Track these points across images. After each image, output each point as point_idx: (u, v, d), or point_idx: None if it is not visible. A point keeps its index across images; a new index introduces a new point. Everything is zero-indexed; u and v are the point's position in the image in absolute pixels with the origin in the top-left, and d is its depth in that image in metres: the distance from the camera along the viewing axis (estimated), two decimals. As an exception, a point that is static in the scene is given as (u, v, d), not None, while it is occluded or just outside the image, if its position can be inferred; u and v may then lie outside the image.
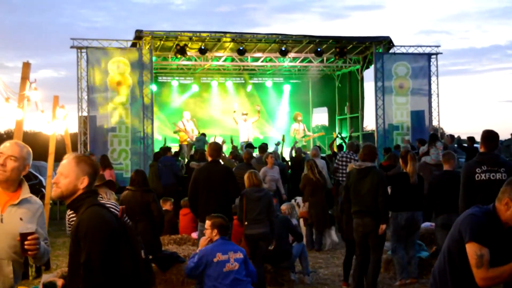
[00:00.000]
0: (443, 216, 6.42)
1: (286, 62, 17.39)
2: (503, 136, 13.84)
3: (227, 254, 4.99)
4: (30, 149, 3.43)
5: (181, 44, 15.03)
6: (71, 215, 4.76)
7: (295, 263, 7.42)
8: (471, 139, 13.91)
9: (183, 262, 7.03)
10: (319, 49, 16.06)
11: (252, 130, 16.64)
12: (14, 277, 3.23)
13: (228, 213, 6.39)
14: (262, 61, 17.55)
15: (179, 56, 15.24)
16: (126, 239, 2.83)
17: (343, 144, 13.01)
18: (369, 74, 17.73)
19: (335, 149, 12.88)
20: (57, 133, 8.57)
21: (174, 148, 15.29)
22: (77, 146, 14.06)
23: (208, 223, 5.18)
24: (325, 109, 20.23)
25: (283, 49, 15.72)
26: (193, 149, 14.53)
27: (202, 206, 6.54)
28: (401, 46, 16.24)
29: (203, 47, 15.23)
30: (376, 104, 15.77)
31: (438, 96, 16.25)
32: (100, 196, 5.23)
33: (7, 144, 3.32)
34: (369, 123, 22.07)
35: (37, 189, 14.68)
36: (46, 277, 6.67)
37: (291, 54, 16.67)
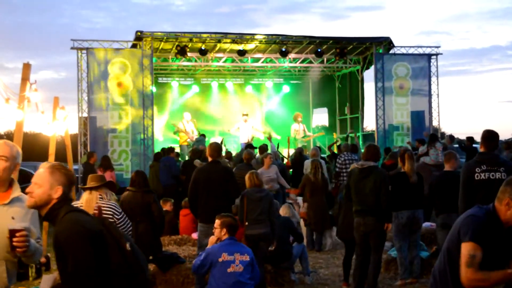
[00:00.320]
0: (443, 216, 6.43)
1: (286, 63, 17.40)
2: (503, 136, 13.86)
3: (233, 255, 4.96)
4: (19, 149, 3.41)
5: (181, 45, 15.04)
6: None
7: (295, 264, 7.42)
8: (470, 139, 13.92)
9: (183, 262, 7.04)
10: (319, 50, 16.07)
11: (252, 131, 16.64)
12: (8, 277, 3.22)
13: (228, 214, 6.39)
14: (262, 62, 17.56)
15: (179, 57, 15.26)
16: (109, 235, 2.80)
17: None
18: (369, 75, 17.76)
19: (335, 150, 12.90)
20: (58, 134, 8.57)
21: (175, 148, 15.28)
22: (77, 147, 14.07)
23: (217, 222, 5.16)
24: (325, 109, 20.24)
25: (283, 50, 15.72)
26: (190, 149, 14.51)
27: (202, 206, 6.54)
28: (401, 46, 16.27)
29: (203, 48, 15.24)
30: (376, 105, 15.78)
31: (438, 97, 16.27)
32: (100, 196, 5.24)
33: None
34: (369, 123, 22.14)
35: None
36: (46, 278, 6.69)
37: (291, 55, 16.68)
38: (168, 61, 16.51)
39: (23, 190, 3.21)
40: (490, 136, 5.15)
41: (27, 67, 5.79)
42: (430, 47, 16.43)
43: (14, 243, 2.95)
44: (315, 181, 9.23)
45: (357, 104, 17.89)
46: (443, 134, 14.13)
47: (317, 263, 8.35)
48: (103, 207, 5.14)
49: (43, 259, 7.60)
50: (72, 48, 14.11)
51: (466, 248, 2.91)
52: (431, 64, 16.21)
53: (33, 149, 22.27)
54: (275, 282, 6.95)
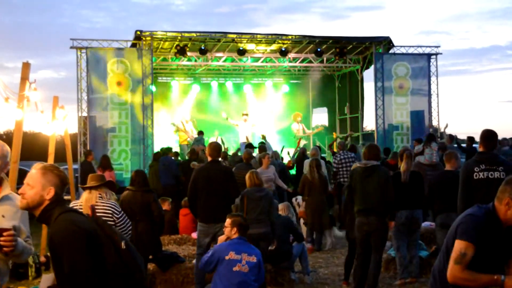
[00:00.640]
0: (442, 215, 6.43)
1: (286, 63, 17.40)
2: (503, 136, 13.84)
3: (240, 254, 4.92)
4: (8, 148, 3.41)
5: (181, 44, 15.04)
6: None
7: (295, 263, 7.42)
8: (470, 139, 13.91)
9: (183, 262, 7.05)
10: (319, 50, 16.08)
11: (252, 130, 16.65)
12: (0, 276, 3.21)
13: (227, 214, 6.39)
14: (262, 62, 17.56)
15: (179, 56, 15.26)
16: (103, 234, 2.79)
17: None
18: (369, 75, 17.77)
19: (335, 149, 12.89)
20: (57, 134, 8.56)
21: (175, 148, 15.30)
22: (77, 146, 14.06)
23: (228, 221, 5.14)
24: (325, 109, 20.26)
25: (283, 49, 15.73)
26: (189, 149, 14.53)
27: (202, 206, 6.54)
28: (401, 46, 16.27)
29: (203, 48, 15.24)
30: (376, 104, 15.78)
31: (438, 96, 16.28)
32: (100, 196, 5.24)
33: None
34: (369, 123, 22.11)
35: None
36: (46, 278, 6.69)
37: (291, 55, 16.69)
38: (168, 61, 16.50)
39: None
40: (489, 135, 5.15)
41: (26, 67, 5.79)
42: (430, 46, 16.45)
43: (1, 242, 2.92)
44: (312, 180, 9.21)
45: (356, 104, 17.90)
46: (442, 134, 14.08)
47: (316, 262, 8.35)
48: (103, 206, 5.15)
49: (43, 259, 7.60)
50: (71, 47, 14.10)
51: (458, 245, 2.92)
52: (431, 63, 16.21)
53: (33, 149, 22.28)
54: (275, 282, 6.95)
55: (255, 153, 11.93)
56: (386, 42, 15.92)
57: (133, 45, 14.68)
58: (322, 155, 13.65)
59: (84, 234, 2.69)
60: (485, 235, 2.92)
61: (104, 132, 14.19)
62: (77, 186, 10.98)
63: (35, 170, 2.86)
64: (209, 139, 15.66)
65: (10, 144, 5.28)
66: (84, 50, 14.12)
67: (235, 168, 9.45)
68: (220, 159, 10.19)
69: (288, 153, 15.12)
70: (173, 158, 13.16)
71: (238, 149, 14.73)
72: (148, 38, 14.44)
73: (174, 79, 18.84)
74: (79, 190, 9.84)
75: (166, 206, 9.39)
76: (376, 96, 15.82)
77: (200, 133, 15.25)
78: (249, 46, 15.97)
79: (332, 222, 9.52)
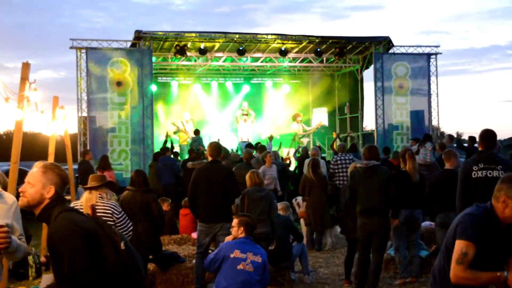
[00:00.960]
0: (441, 215, 6.43)
1: (286, 62, 17.41)
2: (504, 136, 13.85)
3: (245, 253, 4.91)
4: None
5: (181, 44, 15.05)
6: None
7: (295, 263, 7.42)
8: (472, 139, 13.91)
9: (183, 262, 7.05)
10: (318, 49, 16.09)
11: (251, 130, 16.66)
12: None
13: (227, 214, 6.40)
14: (262, 62, 17.57)
15: (179, 56, 15.28)
16: (103, 234, 2.79)
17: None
18: (368, 74, 17.81)
19: (335, 148, 12.91)
20: (57, 134, 8.56)
21: (175, 148, 15.29)
22: (77, 146, 14.07)
23: (235, 221, 5.14)
24: (325, 109, 20.24)
25: (283, 49, 15.74)
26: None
27: (202, 206, 6.55)
28: (400, 46, 16.29)
29: (203, 48, 15.25)
30: (376, 104, 15.79)
31: (437, 96, 16.31)
32: (100, 196, 5.25)
33: None
34: (369, 123, 22.15)
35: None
36: (46, 278, 6.69)
37: (291, 54, 16.70)
38: (168, 61, 16.52)
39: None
40: (487, 135, 5.16)
41: (26, 67, 5.78)
42: (429, 46, 16.46)
43: None
44: (311, 179, 9.22)
45: (356, 104, 17.91)
46: (442, 133, 14.13)
47: (317, 262, 8.35)
48: (103, 206, 5.15)
49: (43, 259, 7.59)
50: (71, 47, 14.12)
51: (459, 245, 2.93)
52: (431, 63, 16.23)
53: (33, 149, 22.27)
54: (275, 282, 6.95)
55: (255, 153, 11.96)
56: (385, 42, 15.92)
57: (133, 45, 14.70)
58: (323, 155, 13.66)
59: (84, 233, 2.68)
60: (485, 234, 2.93)
61: (104, 132, 14.19)
62: (77, 186, 10.98)
63: (36, 168, 2.86)
64: (209, 139, 15.67)
65: (10, 144, 5.30)
66: (84, 50, 14.13)
67: (235, 168, 9.47)
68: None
69: (288, 154, 15.15)
70: (172, 157, 13.16)
71: (236, 150, 14.75)
72: (148, 38, 14.45)
73: (174, 79, 18.85)
74: (78, 190, 9.85)
75: (165, 207, 9.38)
76: (376, 96, 15.83)
77: (197, 132, 15.24)
78: (249, 46, 15.97)
79: (333, 221, 9.52)
